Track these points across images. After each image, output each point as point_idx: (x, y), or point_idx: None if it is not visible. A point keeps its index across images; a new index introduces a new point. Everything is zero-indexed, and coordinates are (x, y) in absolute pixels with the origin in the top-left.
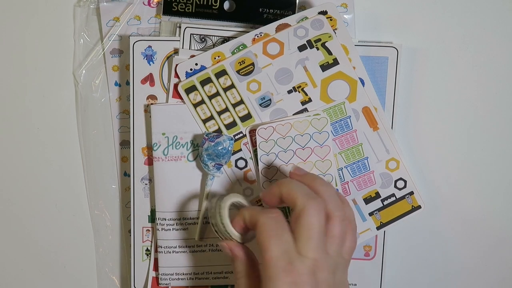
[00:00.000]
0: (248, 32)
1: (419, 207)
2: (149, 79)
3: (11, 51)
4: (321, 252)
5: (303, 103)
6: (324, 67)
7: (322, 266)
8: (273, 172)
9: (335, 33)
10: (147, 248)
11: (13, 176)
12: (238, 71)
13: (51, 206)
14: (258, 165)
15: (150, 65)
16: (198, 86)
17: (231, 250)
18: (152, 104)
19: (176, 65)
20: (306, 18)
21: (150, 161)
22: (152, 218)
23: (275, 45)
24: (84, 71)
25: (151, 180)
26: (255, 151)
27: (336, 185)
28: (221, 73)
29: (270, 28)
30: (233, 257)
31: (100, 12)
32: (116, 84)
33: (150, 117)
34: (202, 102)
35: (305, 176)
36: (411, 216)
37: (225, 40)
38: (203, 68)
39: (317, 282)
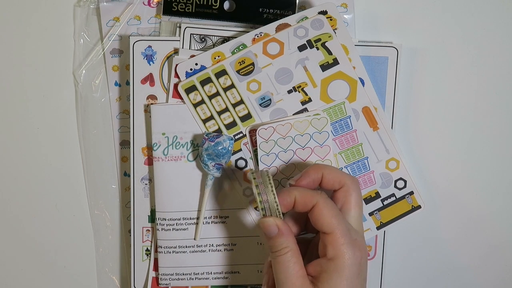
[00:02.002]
0: (248, 32)
1: (419, 207)
2: (149, 79)
3: (11, 51)
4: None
5: (303, 103)
6: (324, 67)
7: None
8: (273, 172)
9: (335, 33)
10: (147, 248)
11: (13, 176)
12: (238, 71)
13: (51, 206)
14: (258, 165)
15: (150, 65)
16: (198, 86)
17: (279, 226)
18: (152, 104)
19: (176, 65)
20: (306, 18)
21: (150, 161)
22: (152, 218)
23: (275, 45)
24: (84, 71)
25: (151, 180)
26: (255, 151)
27: None
28: (221, 73)
29: (270, 28)
30: (279, 234)
31: (100, 12)
32: (116, 84)
33: (150, 117)
34: (202, 102)
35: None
36: (411, 216)
37: (225, 40)
38: (203, 68)
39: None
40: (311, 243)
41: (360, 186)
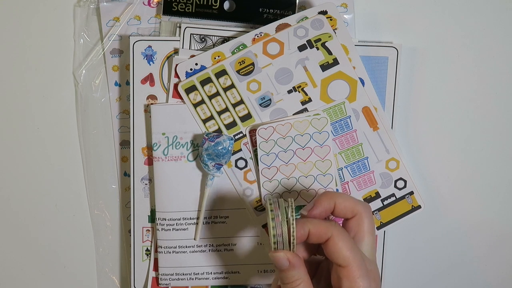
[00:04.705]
0: (248, 32)
1: (419, 207)
2: (149, 79)
3: (11, 51)
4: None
5: (303, 103)
6: (324, 67)
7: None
8: (273, 172)
9: (335, 33)
10: (147, 248)
11: (13, 176)
12: (238, 71)
13: (51, 206)
14: (258, 165)
15: (150, 65)
16: (198, 86)
17: (290, 260)
18: (152, 104)
19: (176, 65)
20: (306, 18)
21: (150, 161)
22: (152, 218)
23: (275, 45)
24: (84, 71)
25: (151, 180)
26: (255, 151)
27: (336, 185)
28: (221, 73)
29: (270, 28)
30: (290, 266)
31: (100, 12)
32: (116, 84)
33: (150, 117)
34: (202, 102)
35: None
36: (411, 216)
37: (225, 40)
38: (203, 68)
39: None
40: (320, 265)
41: (363, 189)
